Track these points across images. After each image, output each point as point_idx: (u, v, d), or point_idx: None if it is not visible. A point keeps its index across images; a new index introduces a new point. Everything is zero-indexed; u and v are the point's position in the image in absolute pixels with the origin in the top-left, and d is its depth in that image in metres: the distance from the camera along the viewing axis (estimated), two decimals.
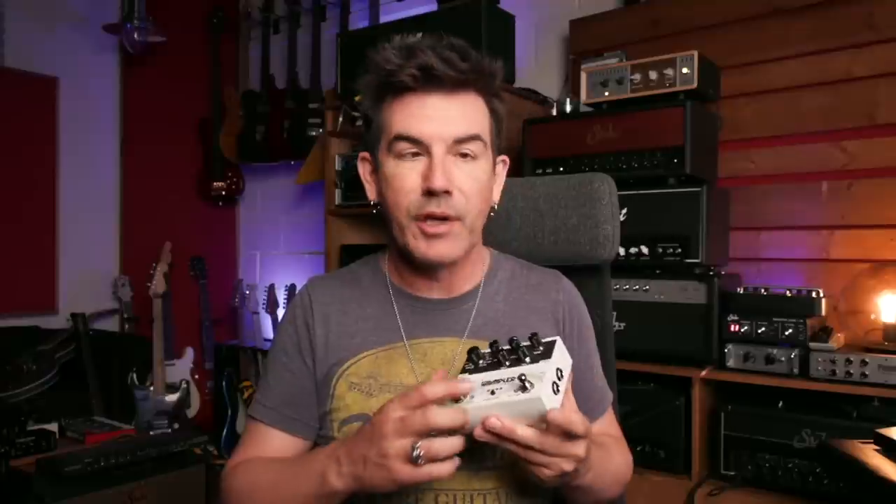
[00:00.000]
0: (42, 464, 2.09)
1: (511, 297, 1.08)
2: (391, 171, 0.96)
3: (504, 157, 1.08)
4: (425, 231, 0.95)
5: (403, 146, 0.94)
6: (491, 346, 0.86)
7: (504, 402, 0.78)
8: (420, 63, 0.92)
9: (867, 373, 1.69)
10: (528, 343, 0.85)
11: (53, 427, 2.38)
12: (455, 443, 0.80)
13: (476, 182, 0.97)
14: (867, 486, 1.29)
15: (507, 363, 0.83)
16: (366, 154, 1.04)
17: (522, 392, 0.78)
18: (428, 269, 1.02)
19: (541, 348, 0.84)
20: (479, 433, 0.80)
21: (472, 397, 0.81)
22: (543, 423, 0.79)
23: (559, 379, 0.81)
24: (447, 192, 0.93)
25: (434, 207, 0.93)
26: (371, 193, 1.04)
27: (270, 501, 0.95)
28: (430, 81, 0.93)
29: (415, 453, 0.78)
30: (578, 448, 0.81)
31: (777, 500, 1.77)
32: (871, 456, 1.32)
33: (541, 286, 1.10)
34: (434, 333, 1.03)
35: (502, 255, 1.14)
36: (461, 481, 0.97)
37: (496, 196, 1.06)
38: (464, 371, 0.86)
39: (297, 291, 1.14)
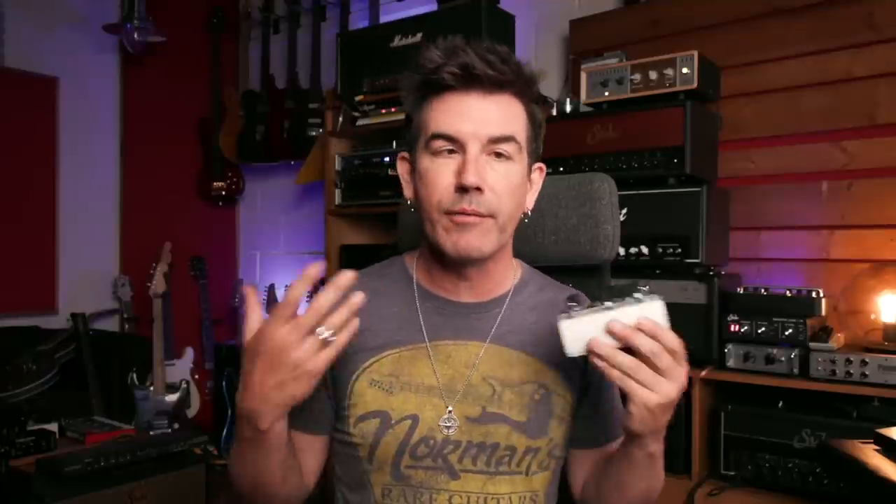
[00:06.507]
0: (42, 464, 2.09)
1: (538, 310, 1.07)
2: (426, 167, 0.96)
3: (541, 164, 1.07)
4: (455, 221, 0.94)
5: (440, 143, 0.95)
6: (592, 302, 0.87)
7: (622, 310, 0.81)
8: (461, 62, 0.93)
9: (867, 373, 1.69)
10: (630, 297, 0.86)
11: (53, 427, 2.38)
12: (343, 312, 0.82)
13: (508, 182, 0.96)
14: (867, 486, 1.29)
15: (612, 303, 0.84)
16: (405, 154, 1.05)
17: (637, 304, 0.80)
18: (458, 268, 1.01)
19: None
20: (594, 344, 0.82)
21: (580, 314, 0.83)
22: None
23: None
24: (478, 190, 0.93)
25: (465, 204, 0.93)
26: (408, 192, 1.04)
27: (251, 479, 0.97)
28: (471, 81, 0.94)
29: (324, 336, 0.80)
30: (684, 374, 0.82)
31: (777, 500, 1.77)
32: (871, 456, 1.32)
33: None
34: (458, 336, 1.02)
35: (534, 269, 1.14)
36: (476, 484, 0.97)
37: (530, 203, 1.05)
38: (562, 314, 0.86)
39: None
